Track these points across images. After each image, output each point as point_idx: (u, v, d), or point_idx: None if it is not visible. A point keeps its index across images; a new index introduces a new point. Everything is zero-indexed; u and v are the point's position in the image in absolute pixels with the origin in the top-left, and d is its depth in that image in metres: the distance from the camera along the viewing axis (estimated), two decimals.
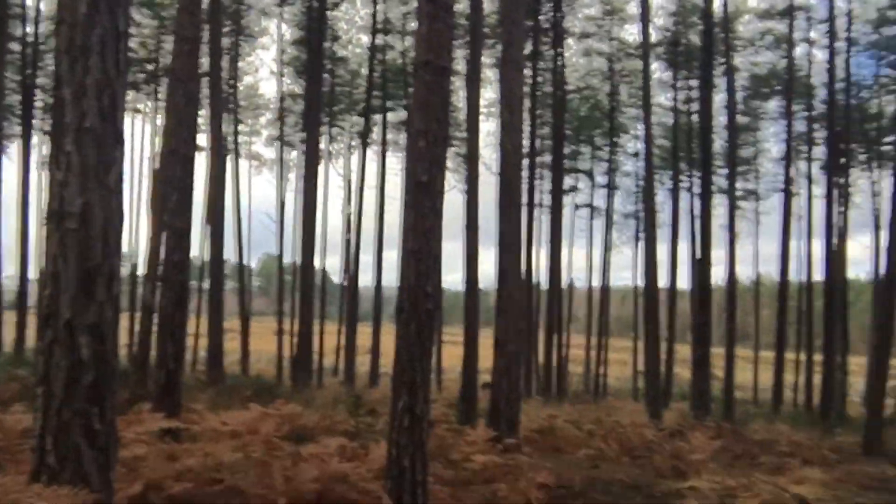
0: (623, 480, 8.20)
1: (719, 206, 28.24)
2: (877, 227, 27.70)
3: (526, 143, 24.70)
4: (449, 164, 28.78)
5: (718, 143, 29.29)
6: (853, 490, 9.10)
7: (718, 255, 27.21)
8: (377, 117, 29.77)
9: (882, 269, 18.09)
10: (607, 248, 33.62)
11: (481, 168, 16.38)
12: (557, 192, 27.71)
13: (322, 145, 27.65)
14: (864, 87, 30.06)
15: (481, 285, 15.23)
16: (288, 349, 26.42)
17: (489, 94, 29.86)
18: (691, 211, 30.67)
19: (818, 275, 26.89)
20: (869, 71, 31.59)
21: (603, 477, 8.25)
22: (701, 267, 18.14)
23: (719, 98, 26.95)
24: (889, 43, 27.21)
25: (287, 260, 31.13)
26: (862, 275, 39.63)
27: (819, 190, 28.37)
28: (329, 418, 10.79)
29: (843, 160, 26.83)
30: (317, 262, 27.35)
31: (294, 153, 32.14)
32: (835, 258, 25.03)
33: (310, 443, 8.08)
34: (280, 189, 30.37)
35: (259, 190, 75.25)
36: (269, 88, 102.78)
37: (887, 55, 27.90)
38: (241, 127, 32.15)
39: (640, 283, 22.43)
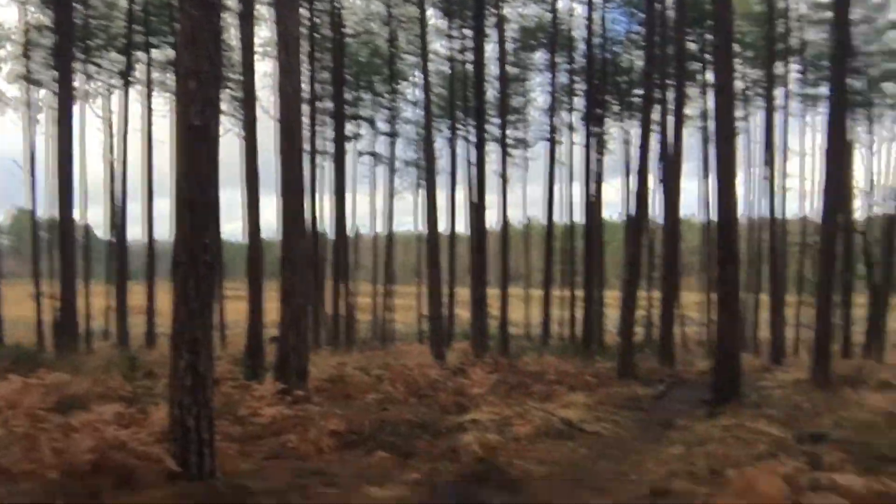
0: (411, 420, 8.52)
1: (493, 153, 29.76)
2: (627, 173, 30.88)
3: (306, 87, 24.10)
4: (224, 106, 27.32)
5: (491, 92, 30.67)
6: (610, 409, 10.26)
7: (493, 199, 28.74)
8: (141, 55, 27.28)
9: (632, 211, 20.25)
10: (390, 195, 34.14)
11: (259, 112, 15.74)
12: (340, 139, 27.48)
13: (77, 84, 24.86)
14: (617, 42, 32.96)
15: (263, 235, 14.77)
16: (49, 313, 23.88)
17: (265, 32, 28.49)
18: (468, 158, 32.01)
19: (579, 217, 29.46)
20: (622, 27, 34.53)
21: (392, 419, 8.51)
22: (477, 212, 19.08)
23: (492, 48, 28.09)
24: (638, 1, 29.94)
25: (41, 214, 27.86)
26: (615, 216, 44.08)
27: (579, 138, 30.92)
28: (102, 384, 10.03)
29: (599, 111, 29.30)
30: (77, 216, 24.80)
31: (43, 92, 28.52)
32: (592, 201, 27.51)
33: (81, 412, 7.45)
34: (29, 133, 26.94)
35: (1, 134, 65.69)
36: (9, 17, 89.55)
37: (637, 13, 30.71)
38: None
39: (423, 228, 23.19)
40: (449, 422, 8.65)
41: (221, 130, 6.01)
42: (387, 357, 15.38)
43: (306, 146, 22.43)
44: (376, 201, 34.98)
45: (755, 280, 32.10)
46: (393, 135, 34.40)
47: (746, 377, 13.24)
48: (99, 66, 28.72)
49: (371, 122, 35.14)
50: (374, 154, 35.08)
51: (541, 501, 5.83)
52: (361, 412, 8.79)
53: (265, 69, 34.48)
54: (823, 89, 30.08)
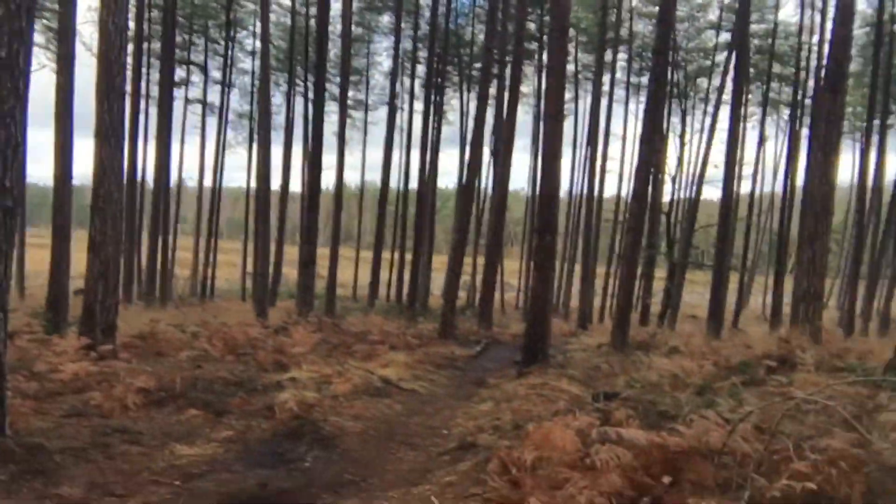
0: (226, 378, 8.34)
1: (332, 113, 29.31)
2: (463, 144, 31.62)
3: (132, 24, 22.31)
4: (38, 38, 24.70)
5: (334, 51, 30.10)
6: (428, 368, 10.64)
7: (330, 160, 28.38)
8: None
9: (464, 180, 20.82)
10: (222, 148, 32.66)
11: (79, 47, 14.42)
12: (167, 84, 25.78)
13: None
14: (462, 14, 33.47)
15: (76, 181, 13.65)
16: None
17: None
18: (305, 115, 31.31)
19: (415, 183, 29.80)
20: (468, 0, 35.15)
21: (206, 376, 8.28)
22: (312, 171, 18.75)
23: (338, 6, 27.50)
24: None
25: None
26: (450, 184, 45.19)
27: (419, 106, 31.19)
28: None
29: (439, 81, 29.69)
30: None
31: None
32: (428, 168, 27.94)
33: None
34: None
35: None
36: None
37: None
38: None
39: (254, 184, 22.39)
40: (267, 380, 8.58)
41: (34, 64, 5.47)
42: (205, 314, 14.86)
43: (129, 87, 20.81)
44: (206, 153, 33.25)
45: (571, 252, 34.33)
46: (227, 85, 32.84)
47: (555, 340, 14.21)
48: None
49: (203, 68, 33.29)
50: (204, 102, 33.32)
51: (352, 455, 5.98)
52: (173, 369, 8.47)
53: (88, 2, 31.58)
54: (646, 79, 32.32)
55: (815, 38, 26.09)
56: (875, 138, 26.37)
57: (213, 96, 34.21)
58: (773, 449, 4.45)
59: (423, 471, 5.61)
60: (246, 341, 11.11)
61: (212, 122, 33.53)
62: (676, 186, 31.23)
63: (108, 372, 7.81)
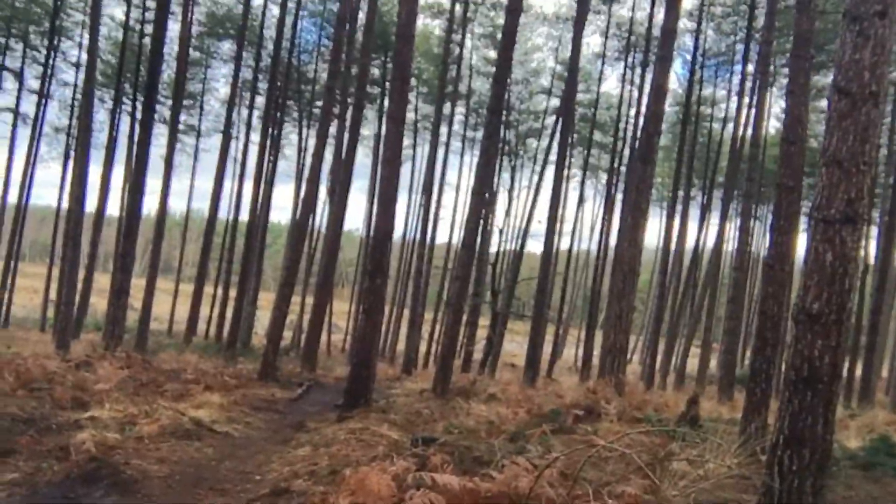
0: (16, 414, 7.53)
1: (161, 136, 27.93)
2: (300, 180, 31.21)
3: None
4: None
5: (168, 72, 28.86)
6: (245, 411, 10.20)
7: (154, 185, 26.88)
8: None
9: (298, 217, 20.49)
10: (32, 162, 29.92)
11: None
12: None
13: None
14: (305, 51, 33.39)
15: None
16: None
17: None
18: (131, 136, 29.58)
19: (245, 215, 28.88)
20: (313, 37, 35.08)
21: None
22: (132, 195, 17.61)
23: (175, 27, 26.46)
24: (330, 16, 30.70)
25: None
26: (283, 220, 44.29)
27: (256, 137, 30.48)
28: None
29: (278, 114, 29.25)
30: None
31: None
32: (260, 201, 27.23)
33: None
34: None
35: None
36: None
37: (328, 27, 31.44)
38: None
39: (66, 204, 20.60)
40: (63, 418, 7.84)
41: None
42: None
43: None
44: (13, 166, 30.25)
45: (402, 296, 34.69)
46: (45, 95, 30.30)
47: (379, 384, 14.19)
48: None
49: (19, 75, 30.57)
50: (16, 112, 30.46)
51: (154, 501, 5.57)
52: None
53: None
54: (481, 134, 33.83)
55: (633, 111, 28.67)
56: (679, 208, 29.19)
57: (27, 106, 31.46)
58: (575, 494, 4.70)
59: None
60: (42, 375, 10.07)
61: (23, 134, 30.59)
62: (503, 238, 32.71)
63: None
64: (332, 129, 21.69)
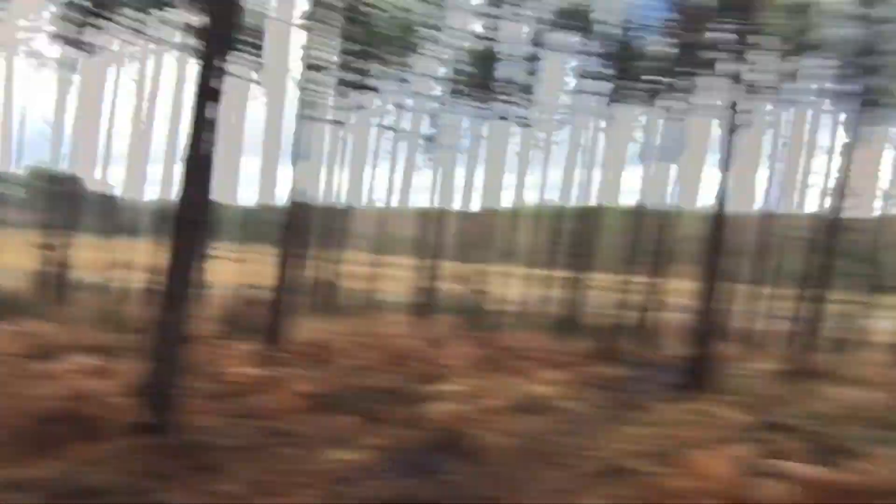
0: (382, 386, 8.64)
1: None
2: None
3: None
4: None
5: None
6: (582, 388, 10.39)
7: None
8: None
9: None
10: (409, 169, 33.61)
11: None
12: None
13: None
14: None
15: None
16: (47, 264, 23.78)
17: None
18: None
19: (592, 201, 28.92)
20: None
21: (364, 384, 8.63)
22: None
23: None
24: None
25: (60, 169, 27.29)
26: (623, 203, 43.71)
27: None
28: (90, 336, 10.15)
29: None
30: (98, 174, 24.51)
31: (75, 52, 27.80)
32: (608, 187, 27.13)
33: (59, 361, 7.63)
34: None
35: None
36: None
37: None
38: None
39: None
40: (421, 390, 8.77)
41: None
42: (372, 325, 15.48)
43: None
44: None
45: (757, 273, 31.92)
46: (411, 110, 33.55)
47: (722, 364, 13.36)
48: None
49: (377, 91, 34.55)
50: (393, 129, 34.20)
51: (499, 471, 5.96)
52: (336, 376, 8.92)
53: None
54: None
55: None
56: None
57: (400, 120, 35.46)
58: None
59: (566, 492, 5.49)
60: (406, 352, 11.44)
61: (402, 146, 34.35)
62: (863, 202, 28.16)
63: (276, 377, 8.35)
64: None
